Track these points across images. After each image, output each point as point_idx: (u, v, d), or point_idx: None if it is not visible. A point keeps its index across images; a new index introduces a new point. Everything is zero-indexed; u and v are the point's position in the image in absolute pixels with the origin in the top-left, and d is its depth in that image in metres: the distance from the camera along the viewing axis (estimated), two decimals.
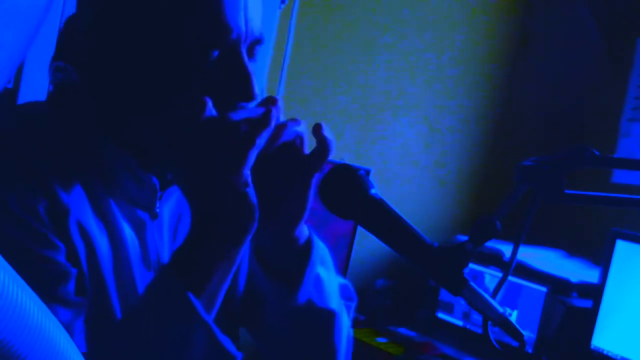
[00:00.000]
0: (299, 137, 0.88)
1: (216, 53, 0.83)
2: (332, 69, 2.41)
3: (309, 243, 0.94)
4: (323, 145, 0.89)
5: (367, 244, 2.51)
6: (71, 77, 0.87)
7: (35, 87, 1.74)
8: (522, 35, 2.79)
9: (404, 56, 2.55)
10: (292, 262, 0.93)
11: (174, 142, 0.81)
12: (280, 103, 0.85)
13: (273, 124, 0.82)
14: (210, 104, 0.80)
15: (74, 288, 0.80)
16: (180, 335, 0.78)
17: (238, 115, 0.81)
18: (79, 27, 0.87)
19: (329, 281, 0.97)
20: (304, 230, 0.94)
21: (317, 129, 0.89)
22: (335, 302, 0.98)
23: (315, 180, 0.91)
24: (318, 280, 0.95)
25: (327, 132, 0.90)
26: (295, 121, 0.87)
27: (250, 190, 0.81)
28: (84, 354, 0.75)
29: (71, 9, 0.91)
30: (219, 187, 0.79)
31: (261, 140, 0.80)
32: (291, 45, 2.28)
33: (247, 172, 0.80)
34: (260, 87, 0.87)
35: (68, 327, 0.77)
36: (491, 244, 2.17)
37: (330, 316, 0.97)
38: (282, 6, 2.23)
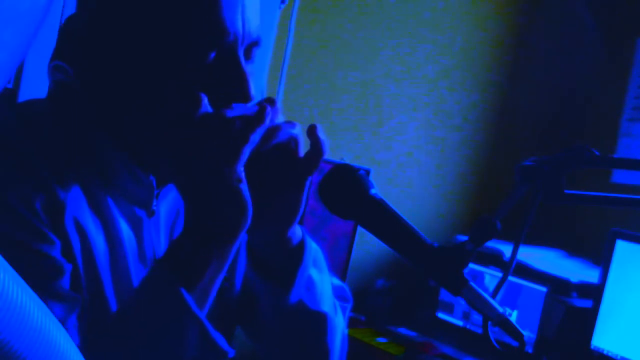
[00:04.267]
0: (294, 140, 0.88)
1: (213, 54, 0.84)
2: (332, 69, 2.41)
3: (301, 244, 0.94)
4: (317, 147, 0.89)
5: (367, 244, 2.51)
6: (70, 77, 0.88)
7: (35, 87, 1.74)
8: (522, 36, 2.79)
9: (404, 56, 2.55)
10: (284, 263, 0.93)
11: (169, 138, 0.81)
12: (278, 105, 0.85)
13: (267, 121, 0.82)
14: (205, 100, 0.81)
15: (69, 283, 0.80)
16: (172, 330, 0.78)
17: (233, 112, 0.81)
18: (78, 28, 0.87)
19: (321, 283, 0.98)
20: (297, 232, 0.94)
21: (311, 131, 0.90)
22: (327, 305, 0.98)
23: (309, 182, 0.91)
24: (310, 282, 0.96)
25: (321, 134, 0.90)
26: (290, 123, 0.87)
27: (244, 187, 0.81)
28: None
29: (71, 9, 0.91)
30: (212, 183, 0.80)
31: (255, 137, 0.81)
32: (291, 45, 2.28)
33: (241, 168, 0.81)
34: (258, 89, 0.87)
35: (61, 322, 0.77)
36: (491, 244, 2.17)
37: (322, 319, 0.97)
38: (282, 6, 2.23)
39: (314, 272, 0.96)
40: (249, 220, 0.82)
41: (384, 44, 2.51)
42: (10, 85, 1.75)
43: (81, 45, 0.86)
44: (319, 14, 2.36)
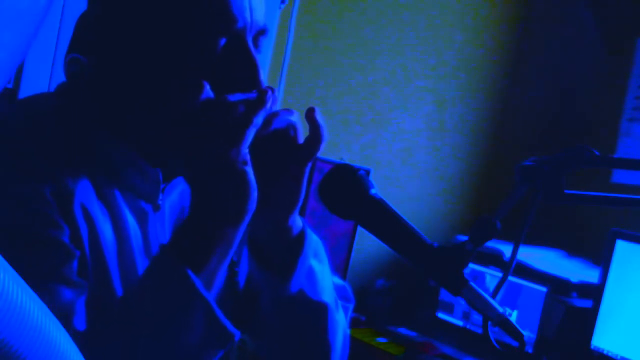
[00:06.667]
0: (292, 127, 0.89)
1: (223, 42, 0.85)
2: (332, 69, 2.41)
3: (302, 234, 0.94)
4: (316, 133, 0.90)
5: (367, 244, 2.51)
6: (84, 70, 0.89)
7: (35, 87, 1.74)
8: (522, 36, 2.79)
9: (404, 56, 2.55)
10: (284, 252, 0.93)
11: (174, 127, 0.82)
12: (277, 93, 0.86)
13: (269, 104, 0.83)
14: (207, 86, 0.82)
15: (77, 269, 0.81)
16: (179, 312, 0.78)
17: (235, 97, 0.82)
18: (92, 20, 0.88)
19: (322, 274, 0.98)
20: (297, 221, 0.94)
21: (310, 114, 0.90)
22: (328, 296, 0.98)
23: (308, 169, 0.91)
24: (311, 272, 0.95)
25: (320, 118, 0.90)
26: (288, 111, 0.88)
27: (249, 169, 0.82)
28: (83, 333, 0.76)
29: (71, 8, 0.91)
30: (218, 165, 0.80)
31: (258, 120, 0.82)
32: (291, 45, 2.28)
33: (245, 150, 0.81)
34: (265, 77, 0.88)
35: (69, 306, 0.78)
36: (491, 244, 2.17)
37: (322, 309, 0.97)
38: (282, 6, 2.23)
39: (314, 263, 0.96)
40: (255, 203, 0.83)
41: (384, 44, 2.51)
42: (10, 85, 1.75)
43: (94, 36, 0.88)
44: (319, 14, 2.36)
